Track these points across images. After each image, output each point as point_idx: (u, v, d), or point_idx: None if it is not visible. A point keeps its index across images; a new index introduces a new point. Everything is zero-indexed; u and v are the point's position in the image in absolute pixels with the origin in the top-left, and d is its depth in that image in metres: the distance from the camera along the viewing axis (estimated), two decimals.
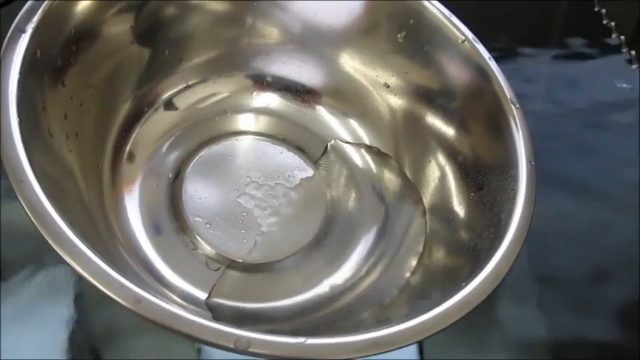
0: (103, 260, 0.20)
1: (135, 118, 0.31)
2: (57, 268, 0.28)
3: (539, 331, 0.31)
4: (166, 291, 0.27)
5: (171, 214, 0.30)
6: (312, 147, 0.33)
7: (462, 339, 0.30)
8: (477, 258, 0.25)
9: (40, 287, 0.28)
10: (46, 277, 0.29)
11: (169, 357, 0.27)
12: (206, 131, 0.32)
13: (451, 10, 0.31)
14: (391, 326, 0.21)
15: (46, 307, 0.28)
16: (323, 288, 0.29)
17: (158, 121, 0.32)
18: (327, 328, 0.27)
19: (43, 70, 0.25)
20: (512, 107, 0.28)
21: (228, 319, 0.27)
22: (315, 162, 0.33)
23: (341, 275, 0.29)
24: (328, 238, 0.30)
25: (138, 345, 0.28)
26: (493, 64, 0.29)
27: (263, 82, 0.34)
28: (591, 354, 0.31)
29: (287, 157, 0.32)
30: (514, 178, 0.27)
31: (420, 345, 0.28)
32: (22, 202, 0.21)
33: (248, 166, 0.32)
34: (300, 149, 0.33)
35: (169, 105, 0.32)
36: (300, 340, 0.20)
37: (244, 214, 0.30)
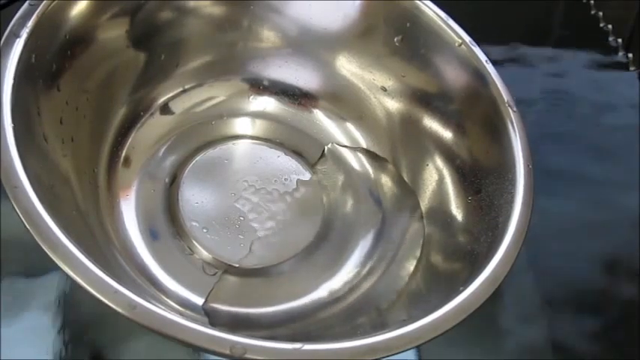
0: (97, 266, 0.20)
1: (131, 122, 0.31)
2: (56, 270, 0.28)
3: (539, 332, 0.31)
4: (163, 296, 0.27)
5: (168, 219, 0.29)
6: (309, 151, 0.33)
7: (460, 339, 0.30)
8: (474, 262, 0.25)
9: (39, 289, 0.28)
10: (44, 280, 0.29)
11: (169, 357, 0.27)
12: (202, 135, 0.32)
13: (448, 14, 0.31)
14: (389, 331, 0.21)
15: (45, 309, 0.28)
16: (320, 293, 0.29)
17: (154, 126, 0.32)
18: (324, 334, 0.27)
19: (38, 75, 0.25)
20: (510, 110, 0.28)
21: (225, 324, 0.27)
22: (312, 166, 0.33)
23: (338, 280, 0.29)
24: (325, 243, 0.30)
25: (137, 345, 0.28)
26: (490, 67, 0.29)
27: (260, 86, 0.34)
28: (591, 355, 0.31)
29: (284, 161, 0.32)
30: (512, 182, 0.27)
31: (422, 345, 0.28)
32: (16, 207, 0.21)
33: (245, 171, 0.31)
34: (297, 153, 0.33)
35: (165, 109, 0.32)
36: (297, 346, 0.20)
37: (241, 218, 0.30)
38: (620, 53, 0.44)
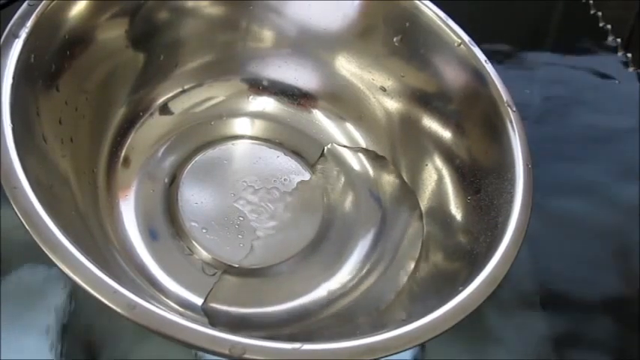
0: (96, 266, 0.20)
1: (130, 122, 0.31)
2: (56, 271, 0.28)
3: (541, 332, 0.31)
4: (162, 297, 0.27)
5: (167, 219, 0.29)
6: (308, 151, 0.33)
7: (463, 339, 0.30)
8: (474, 262, 0.25)
9: (39, 290, 0.28)
10: (44, 280, 0.29)
11: (168, 357, 0.27)
12: (202, 136, 0.32)
13: (447, 14, 0.31)
14: (388, 331, 0.21)
15: (45, 309, 0.28)
16: (320, 293, 0.29)
17: (154, 126, 0.32)
18: (323, 333, 0.27)
19: (37, 75, 0.25)
20: (509, 110, 0.28)
21: (225, 324, 0.27)
22: (311, 166, 0.33)
23: (338, 280, 0.29)
24: (325, 243, 0.30)
25: (137, 345, 0.28)
26: (489, 67, 0.29)
27: (259, 86, 0.34)
28: (593, 355, 0.31)
29: (283, 162, 0.32)
30: (511, 182, 0.27)
31: (422, 344, 0.28)
32: (15, 208, 0.21)
33: (244, 171, 0.31)
34: (296, 153, 0.33)
35: (165, 109, 0.32)
36: (296, 346, 0.20)
37: (241, 218, 0.30)
38: (620, 53, 0.44)
